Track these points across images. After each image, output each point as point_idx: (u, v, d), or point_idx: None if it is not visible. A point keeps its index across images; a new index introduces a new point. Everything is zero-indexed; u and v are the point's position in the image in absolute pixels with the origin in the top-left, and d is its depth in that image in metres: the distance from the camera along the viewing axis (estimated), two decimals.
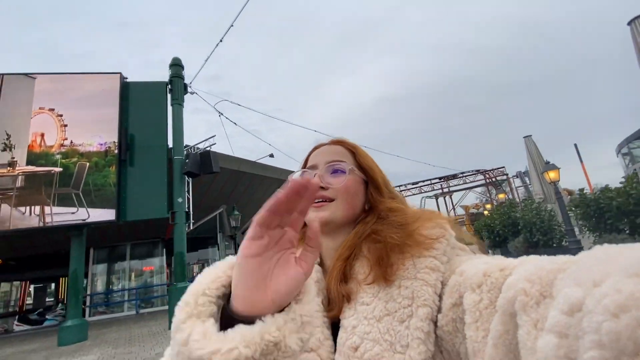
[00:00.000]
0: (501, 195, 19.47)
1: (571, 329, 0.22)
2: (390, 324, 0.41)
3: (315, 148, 0.63)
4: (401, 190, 24.85)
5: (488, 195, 24.37)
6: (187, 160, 8.10)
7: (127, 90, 8.43)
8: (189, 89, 8.94)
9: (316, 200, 0.54)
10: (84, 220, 7.43)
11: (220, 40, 7.48)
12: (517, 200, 18.69)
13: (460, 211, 26.05)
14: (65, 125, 8.00)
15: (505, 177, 23.01)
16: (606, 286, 0.21)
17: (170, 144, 8.33)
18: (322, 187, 0.55)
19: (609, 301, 0.20)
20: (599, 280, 0.22)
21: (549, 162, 6.57)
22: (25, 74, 8.17)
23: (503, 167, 23.13)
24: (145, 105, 8.44)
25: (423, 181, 25.41)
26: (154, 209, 7.80)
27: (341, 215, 0.54)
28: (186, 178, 8.31)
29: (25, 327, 12.10)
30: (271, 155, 11.79)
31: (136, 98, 8.44)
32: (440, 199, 25.97)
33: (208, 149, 8.65)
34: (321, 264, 0.58)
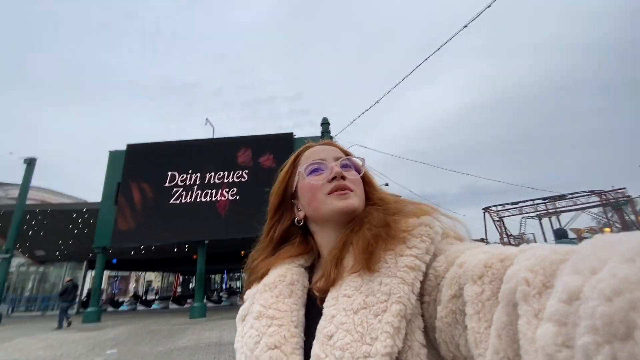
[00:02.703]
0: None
1: (570, 317, 0.23)
2: (366, 317, 0.43)
3: (308, 147, 0.66)
4: (498, 210, 24.03)
5: (606, 218, 22.17)
6: None
7: (294, 144, 12.32)
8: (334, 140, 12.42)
9: (342, 190, 0.57)
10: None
11: (367, 110, 10.45)
12: None
13: (571, 235, 24.24)
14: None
15: (626, 199, 20.69)
16: (603, 273, 0.22)
17: None
18: (342, 177, 0.58)
19: (604, 285, 0.21)
20: (597, 267, 0.23)
21: None
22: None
23: (624, 188, 20.95)
24: None
25: (524, 201, 24.27)
26: None
27: (361, 205, 0.57)
28: None
29: (176, 306, 17.76)
30: (386, 184, 14.66)
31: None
32: (545, 220, 24.35)
33: None
34: (318, 257, 0.62)
